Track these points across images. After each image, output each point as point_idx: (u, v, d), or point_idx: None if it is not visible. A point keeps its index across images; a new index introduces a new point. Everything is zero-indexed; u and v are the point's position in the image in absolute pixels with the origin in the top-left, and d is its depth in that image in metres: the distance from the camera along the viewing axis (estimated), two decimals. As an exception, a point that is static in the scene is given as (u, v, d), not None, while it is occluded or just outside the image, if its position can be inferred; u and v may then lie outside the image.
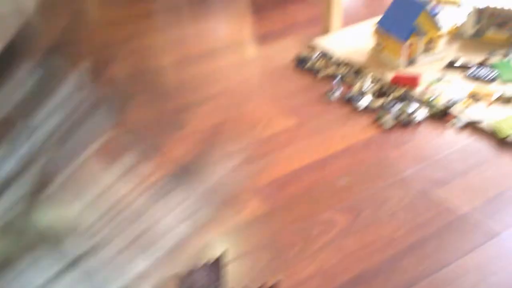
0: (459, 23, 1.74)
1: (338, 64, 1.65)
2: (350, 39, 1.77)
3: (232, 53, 1.82)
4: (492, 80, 1.48)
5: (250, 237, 1.07)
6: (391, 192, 1.16)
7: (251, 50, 1.83)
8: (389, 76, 1.54)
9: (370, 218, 1.09)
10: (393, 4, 1.61)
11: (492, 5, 1.65)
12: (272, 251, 1.03)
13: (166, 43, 1.92)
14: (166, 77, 1.68)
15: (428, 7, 1.54)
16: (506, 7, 1.63)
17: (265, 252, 1.03)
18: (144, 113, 1.51)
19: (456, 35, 1.73)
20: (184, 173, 0.42)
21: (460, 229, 1.05)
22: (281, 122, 1.42)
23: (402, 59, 1.57)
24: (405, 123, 1.38)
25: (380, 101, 1.46)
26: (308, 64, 1.66)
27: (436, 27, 1.57)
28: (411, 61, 1.58)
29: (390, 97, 1.46)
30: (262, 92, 1.57)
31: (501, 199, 1.12)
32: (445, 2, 1.73)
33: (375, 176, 1.21)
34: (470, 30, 1.70)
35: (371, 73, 1.57)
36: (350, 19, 1.95)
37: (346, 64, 1.64)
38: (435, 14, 1.58)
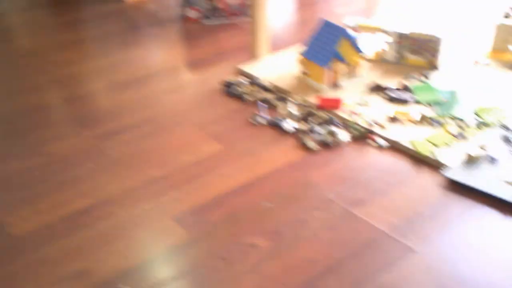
0: (381, 49, 1.81)
1: (265, 89, 1.67)
2: (277, 65, 1.80)
3: (162, 80, 1.80)
4: (411, 102, 1.54)
5: (173, 265, 1.03)
6: (314, 213, 1.16)
7: (181, 77, 1.82)
8: (314, 100, 1.57)
9: (292, 240, 1.09)
10: (316, 31, 1.65)
11: (411, 31, 1.73)
12: (195, 278, 1.00)
13: (97, 70, 1.88)
14: (96, 103, 1.64)
15: (350, 34, 1.59)
16: (424, 32, 1.71)
17: (188, 279, 1.00)
18: (69, 140, 1.46)
19: (378, 59, 1.80)
20: None
21: (379, 247, 1.06)
22: (207, 147, 1.41)
23: (326, 84, 1.60)
24: (329, 145, 1.40)
25: (305, 125, 1.48)
26: (236, 90, 1.66)
27: (358, 53, 1.62)
28: (334, 86, 1.62)
29: (315, 121, 1.48)
30: (190, 118, 1.56)
31: (419, 217, 1.14)
32: (367, 29, 1.80)
33: (299, 198, 1.21)
34: (391, 55, 1.77)
35: (297, 98, 1.59)
36: (278, 45, 1.99)
37: (273, 89, 1.67)
38: (357, 41, 1.64)
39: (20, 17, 2.48)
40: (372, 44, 1.83)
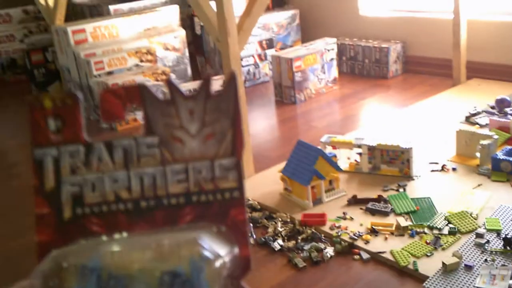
0: (356, 161, 1.95)
1: (253, 208, 1.77)
2: (262, 183, 1.93)
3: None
4: (389, 212, 1.65)
5: None
6: (306, 335, 1.22)
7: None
8: (298, 216, 1.67)
9: None
10: (293, 152, 1.80)
11: (381, 143, 1.88)
12: None
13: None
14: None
15: (325, 154, 1.74)
16: (393, 144, 1.87)
17: None
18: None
19: (355, 171, 1.93)
20: None
21: None
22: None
23: (308, 201, 1.72)
24: (316, 261, 1.48)
25: (292, 242, 1.57)
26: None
27: (334, 169, 1.76)
28: (317, 201, 1.74)
29: (301, 237, 1.58)
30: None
31: (405, 330, 1.20)
32: (341, 144, 1.95)
33: (291, 320, 1.27)
34: (366, 167, 1.91)
35: (283, 215, 1.69)
36: (263, 162, 2.12)
37: (260, 208, 1.77)
38: (331, 157, 1.78)
39: (23, 153, 2.62)
40: (347, 158, 1.98)
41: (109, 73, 2.85)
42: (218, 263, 0.29)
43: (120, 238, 0.31)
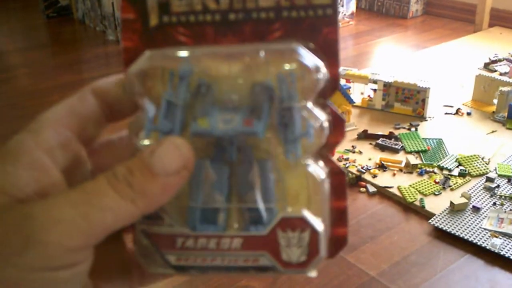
0: (369, 97, 1.90)
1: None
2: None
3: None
4: (399, 150, 1.62)
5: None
6: (307, 258, 1.21)
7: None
8: (306, 146, 1.64)
9: (286, 284, 1.14)
10: (308, 80, 1.74)
11: (397, 80, 1.82)
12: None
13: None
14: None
15: (341, 85, 1.68)
16: (410, 82, 1.81)
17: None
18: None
19: (367, 107, 1.89)
20: None
21: (369, 293, 1.12)
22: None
23: (318, 130, 1.68)
24: (321, 190, 1.46)
25: (298, 170, 1.54)
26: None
27: (347, 101, 1.71)
28: (326, 132, 1.70)
29: (308, 166, 1.55)
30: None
31: (406, 262, 1.20)
32: (355, 77, 1.89)
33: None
34: (379, 103, 1.86)
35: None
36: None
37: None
38: (346, 89, 1.73)
39: (20, 57, 2.55)
40: (361, 93, 1.92)
41: (119, -16, 2.73)
42: (313, 76, 0.28)
43: (209, 48, 0.29)
